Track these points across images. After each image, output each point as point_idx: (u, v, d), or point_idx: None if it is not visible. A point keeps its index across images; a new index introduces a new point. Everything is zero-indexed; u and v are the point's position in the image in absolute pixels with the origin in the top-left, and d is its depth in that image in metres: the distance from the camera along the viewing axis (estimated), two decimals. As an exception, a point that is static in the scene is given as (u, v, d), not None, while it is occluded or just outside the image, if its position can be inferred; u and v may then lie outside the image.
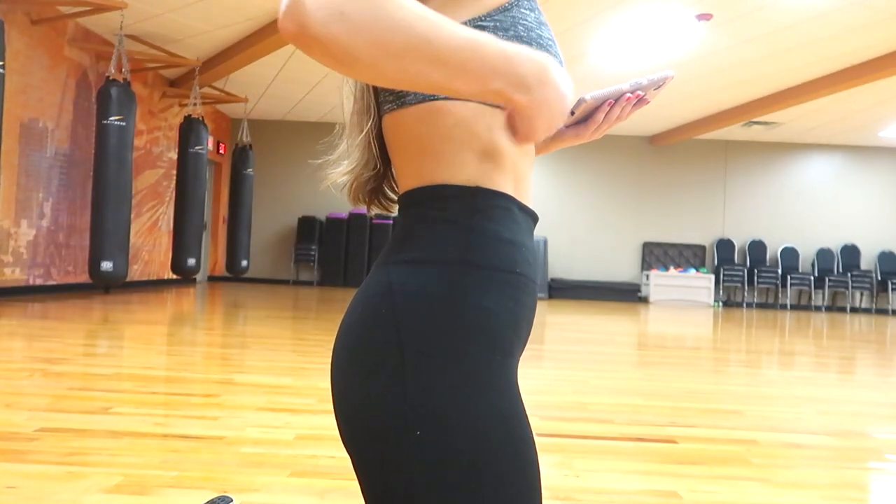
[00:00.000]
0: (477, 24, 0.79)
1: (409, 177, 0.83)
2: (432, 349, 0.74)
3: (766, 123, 12.55)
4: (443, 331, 0.75)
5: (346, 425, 0.78)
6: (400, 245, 0.81)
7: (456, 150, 0.80)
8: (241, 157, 11.55)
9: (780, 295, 14.17)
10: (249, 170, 11.66)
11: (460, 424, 0.73)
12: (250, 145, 11.71)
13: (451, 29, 0.64)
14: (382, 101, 0.86)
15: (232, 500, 1.01)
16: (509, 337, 0.78)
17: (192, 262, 9.88)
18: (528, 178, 0.85)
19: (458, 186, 0.79)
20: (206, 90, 10.91)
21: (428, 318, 0.75)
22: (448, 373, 0.74)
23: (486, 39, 0.66)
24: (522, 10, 0.81)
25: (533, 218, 0.85)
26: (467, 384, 0.74)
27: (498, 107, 0.79)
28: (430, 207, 0.80)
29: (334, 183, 0.93)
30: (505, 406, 0.75)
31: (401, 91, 0.82)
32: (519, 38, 0.79)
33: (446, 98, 0.79)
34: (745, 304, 14.16)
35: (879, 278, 13.94)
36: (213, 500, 1.00)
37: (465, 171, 0.80)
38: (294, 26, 0.61)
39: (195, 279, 12.58)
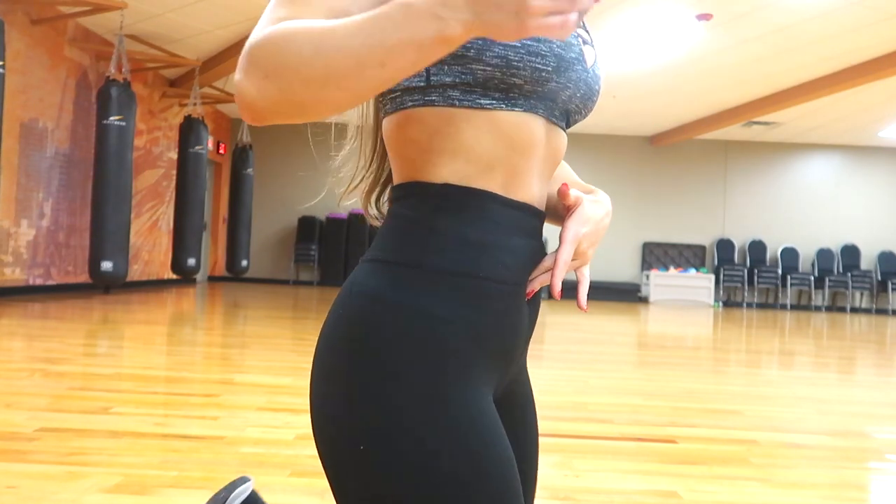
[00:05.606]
0: None
1: (395, 177, 0.82)
2: (377, 358, 0.71)
3: (766, 123, 12.55)
4: (388, 339, 0.72)
5: (312, 428, 0.77)
6: (373, 243, 0.80)
7: (427, 151, 0.77)
8: (241, 157, 11.55)
9: (780, 295, 14.17)
10: (249, 170, 11.65)
11: (401, 440, 0.69)
12: (250, 145, 11.71)
13: (348, 27, 0.62)
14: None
15: (250, 480, 1.00)
16: (465, 347, 0.73)
17: (192, 262, 9.88)
18: (528, 172, 0.79)
19: (426, 184, 0.77)
20: (206, 90, 10.90)
21: (375, 324, 0.73)
22: (390, 384, 0.70)
23: (383, 10, 0.61)
24: None
25: (530, 213, 0.80)
26: (409, 397, 0.70)
27: (474, 107, 0.76)
28: (400, 206, 0.79)
29: (350, 192, 0.93)
30: (452, 420, 0.70)
31: (383, 102, 0.82)
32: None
33: (414, 105, 0.77)
34: (745, 305, 14.16)
35: (879, 278, 13.94)
36: (232, 482, 1.00)
37: (436, 171, 0.77)
38: (250, 114, 0.67)
39: (195, 279, 12.58)
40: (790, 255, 14.09)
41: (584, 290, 0.80)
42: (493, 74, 0.74)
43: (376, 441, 0.69)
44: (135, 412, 3.10)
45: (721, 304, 14.04)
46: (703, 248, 14.31)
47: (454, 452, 0.70)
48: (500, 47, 0.73)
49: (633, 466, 2.64)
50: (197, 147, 9.77)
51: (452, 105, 0.76)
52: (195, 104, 9.96)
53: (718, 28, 8.01)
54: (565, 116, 0.83)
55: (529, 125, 0.78)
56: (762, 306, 14.13)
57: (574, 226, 0.80)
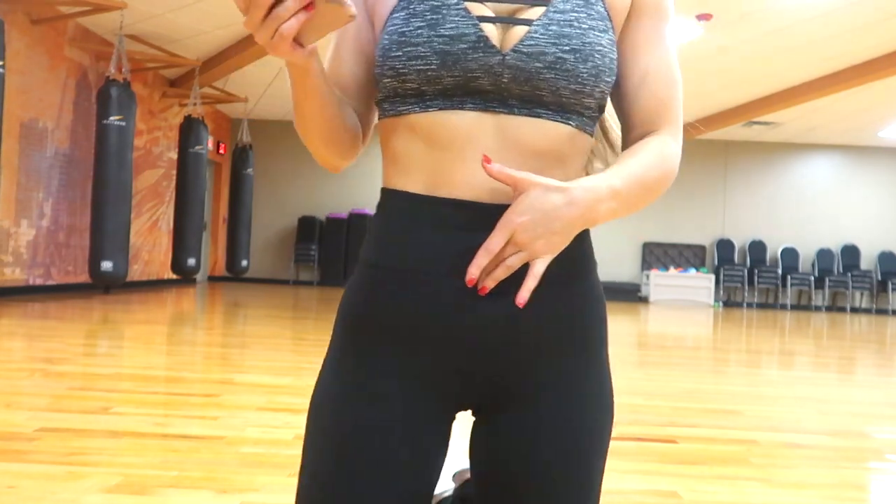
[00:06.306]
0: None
1: None
2: None
3: (766, 123, 12.55)
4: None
5: None
6: None
7: (383, 158, 0.88)
8: (241, 157, 11.55)
9: (780, 295, 14.17)
10: (249, 170, 11.65)
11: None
12: (250, 145, 11.71)
13: None
14: None
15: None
16: (365, 324, 0.83)
17: (192, 262, 9.88)
18: (460, 168, 0.80)
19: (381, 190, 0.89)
20: (206, 90, 10.90)
21: None
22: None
23: None
24: None
25: (456, 208, 0.79)
26: (324, 365, 0.87)
27: (395, 115, 0.83)
28: None
29: None
30: (328, 386, 0.83)
31: None
32: None
33: (380, 117, 0.88)
34: (745, 305, 14.16)
35: (879, 278, 13.94)
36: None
37: (385, 177, 0.87)
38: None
39: (195, 279, 12.58)
40: (790, 255, 14.09)
41: (525, 285, 0.76)
42: (392, 84, 0.81)
43: None
44: (135, 412, 3.10)
45: (721, 304, 14.04)
46: (703, 248, 14.31)
47: (313, 416, 0.84)
48: (390, 59, 0.80)
49: (633, 466, 2.64)
50: (197, 147, 9.77)
51: (385, 116, 0.85)
52: (195, 104, 9.95)
53: (718, 28, 8.01)
54: (524, 103, 0.80)
55: (449, 122, 0.80)
56: (762, 306, 14.13)
57: (509, 213, 0.75)
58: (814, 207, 14.22)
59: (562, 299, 0.83)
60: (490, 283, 0.77)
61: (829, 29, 7.87)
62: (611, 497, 2.30)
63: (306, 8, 0.69)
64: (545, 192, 0.75)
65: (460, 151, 0.80)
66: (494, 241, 0.75)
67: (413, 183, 0.82)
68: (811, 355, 6.58)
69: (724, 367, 5.52)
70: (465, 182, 0.80)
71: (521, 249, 0.76)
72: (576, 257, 0.85)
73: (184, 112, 10.41)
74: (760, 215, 14.26)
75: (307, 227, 13.97)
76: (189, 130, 9.78)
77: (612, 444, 3.10)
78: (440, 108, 0.80)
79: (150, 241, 10.85)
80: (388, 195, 0.85)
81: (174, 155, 10.96)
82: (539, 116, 0.80)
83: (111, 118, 7.88)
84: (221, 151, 13.37)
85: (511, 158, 0.79)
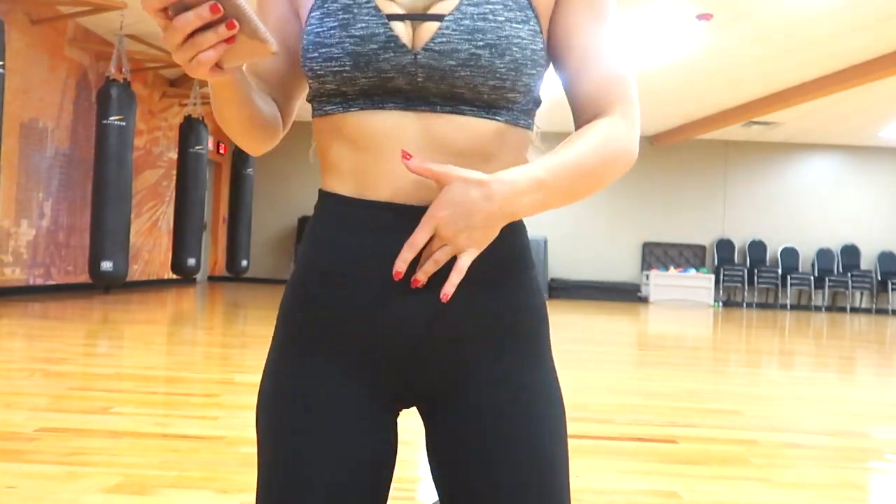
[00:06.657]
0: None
1: None
2: None
3: (766, 123, 12.55)
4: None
5: None
6: None
7: (319, 158, 0.87)
8: (241, 157, 11.55)
9: (780, 295, 14.17)
10: (249, 170, 11.65)
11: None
12: (250, 145, 11.71)
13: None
14: None
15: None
16: (298, 325, 0.83)
17: (192, 262, 9.88)
18: (385, 170, 0.79)
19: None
20: (206, 90, 10.89)
21: None
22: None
23: None
24: None
25: (381, 210, 0.79)
26: (265, 365, 0.87)
27: (323, 115, 0.82)
28: None
29: None
30: (267, 387, 0.84)
31: None
32: None
33: (312, 116, 0.86)
34: (745, 304, 14.16)
35: (879, 278, 13.94)
36: None
37: (322, 177, 0.87)
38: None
39: (195, 279, 12.58)
40: (790, 255, 14.09)
41: (449, 280, 0.75)
42: (314, 85, 0.81)
43: None
44: (135, 412, 3.10)
45: (721, 304, 14.04)
46: (703, 248, 14.31)
47: (257, 417, 0.85)
48: (308, 60, 0.80)
49: (633, 466, 2.65)
50: (197, 147, 9.77)
51: (315, 116, 0.84)
52: (195, 104, 9.95)
53: (718, 28, 8.01)
54: (446, 101, 0.78)
55: (371, 122, 0.78)
56: (762, 306, 14.13)
57: (432, 208, 0.74)
58: (814, 207, 14.23)
59: (490, 297, 0.82)
60: (421, 277, 0.76)
61: (830, 29, 7.87)
62: (611, 497, 2.30)
63: (227, 40, 0.68)
64: (464, 186, 0.74)
65: (383, 152, 0.79)
66: (418, 237, 0.75)
67: (343, 185, 0.82)
68: (811, 355, 6.58)
69: (724, 367, 5.52)
70: (391, 183, 0.79)
71: (446, 244, 0.75)
72: (506, 254, 0.82)
73: (184, 112, 10.40)
74: (760, 215, 14.27)
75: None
76: (189, 130, 9.78)
77: (612, 444, 3.11)
78: (362, 108, 0.79)
79: (150, 241, 10.85)
80: (322, 198, 0.85)
81: (174, 155, 10.97)
82: (463, 114, 0.78)
83: (111, 118, 7.88)
84: (221, 151, 13.37)
85: (436, 157, 0.78)
